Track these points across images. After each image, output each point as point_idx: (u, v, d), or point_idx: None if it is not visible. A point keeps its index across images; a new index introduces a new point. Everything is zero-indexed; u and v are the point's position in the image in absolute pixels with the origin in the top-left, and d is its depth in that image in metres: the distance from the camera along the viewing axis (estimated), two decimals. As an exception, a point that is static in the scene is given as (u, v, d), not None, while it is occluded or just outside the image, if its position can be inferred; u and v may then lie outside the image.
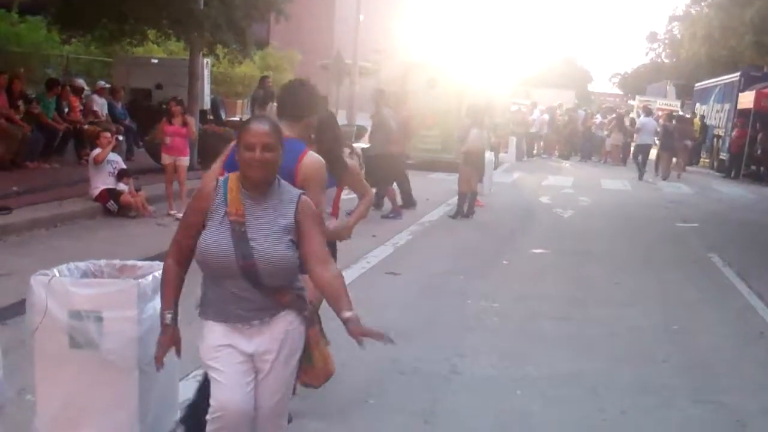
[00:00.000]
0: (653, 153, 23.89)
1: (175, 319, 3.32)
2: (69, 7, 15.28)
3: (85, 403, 3.85)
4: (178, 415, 4.29)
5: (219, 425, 3.22)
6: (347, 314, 3.17)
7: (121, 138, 11.50)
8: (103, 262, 4.22)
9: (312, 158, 3.94)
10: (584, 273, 9.54)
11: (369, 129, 13.01)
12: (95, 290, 3.82)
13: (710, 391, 5.71)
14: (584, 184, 19.88)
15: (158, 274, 3.91)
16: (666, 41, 61.53)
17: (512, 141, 25.73)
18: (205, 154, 14.38)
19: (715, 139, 28.01)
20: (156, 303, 3.82)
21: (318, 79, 26.48)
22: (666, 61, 61.38)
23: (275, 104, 16.47)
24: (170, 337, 3.32)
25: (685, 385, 5.80)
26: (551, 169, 24.05)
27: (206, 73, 19.26)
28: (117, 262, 4.26)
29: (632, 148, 25.79)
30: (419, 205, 13.59)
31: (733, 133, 24.75)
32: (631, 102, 43.50)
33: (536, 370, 5.86)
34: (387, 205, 12.65)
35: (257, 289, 3.20)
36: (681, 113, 31.04)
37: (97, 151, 11.19)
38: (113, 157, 11.41)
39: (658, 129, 23.82)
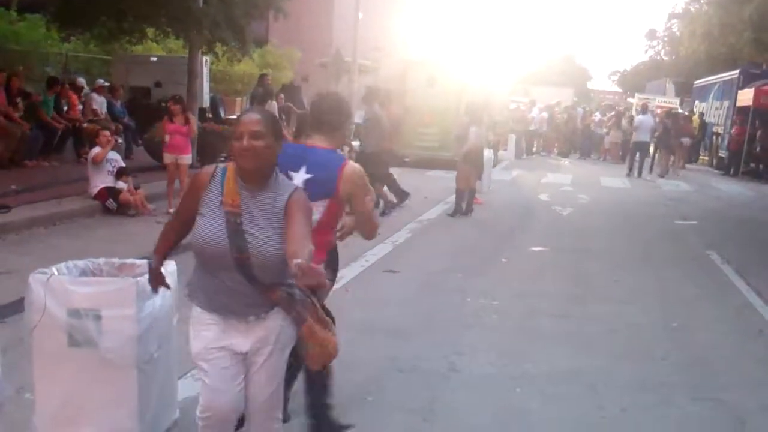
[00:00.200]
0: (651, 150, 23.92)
1: (157, 262, 3.55)
2: (68, 5, 15.27)
3: (83, 401, 3.86)
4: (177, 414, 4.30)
5: (206, 423, 3.34)
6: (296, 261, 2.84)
7: (120, 140, 11.48)
8: (101, 260, 4.23)
9: (352, 168, 4.00)
10: (583, 270, 9.54)
11: (362, 127, 12.95)
12: (94, 289, 3.83)
13: (709, 389, 5.72)
14: (583, 182, 19.88)
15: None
16: (665, 39, 61.48)
17: (511, 139, 25.74)
18: (204, 153, 14.39)
19: (714, 137, 28.04)
20: (155, 302, 3.82)
21: (317, 77, 26.53)
22: (665, 58, 61.32)
23: (274, 102, 16.47)
24: (155, 277, 3.63)
25: (684, 383, 5.81)
26: (550, 167, 24.05)
27: (205, 71, 19.27)
28: (116, 260, 4.26)
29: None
30: (418, 203, 13.59)
31: (732, 131, 24.77)
32: (630, 100, 43.51)
33: (535, 368, 5.86)
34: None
35: (251, 284, 3.19)
36: (680, 111, 31.05)
37: (96, 150, 11.18)
38: (112, 155, 11.40)
39: (655, 126, 23.84)
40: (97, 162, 11.02)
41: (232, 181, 3.23)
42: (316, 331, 3.29)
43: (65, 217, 10.30)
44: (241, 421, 3.49)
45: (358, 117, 14.39)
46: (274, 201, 3.22)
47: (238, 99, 25.53)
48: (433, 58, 23.78)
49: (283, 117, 16.47)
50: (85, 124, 14.96)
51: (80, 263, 4.13)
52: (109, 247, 8.32)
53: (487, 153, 15.83)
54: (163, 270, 3.65)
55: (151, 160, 14.54)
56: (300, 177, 3.92)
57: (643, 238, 12.28)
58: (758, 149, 23.82)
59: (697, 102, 32.16)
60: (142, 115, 17.11)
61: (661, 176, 22.60)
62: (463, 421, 4.84)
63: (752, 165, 24.47)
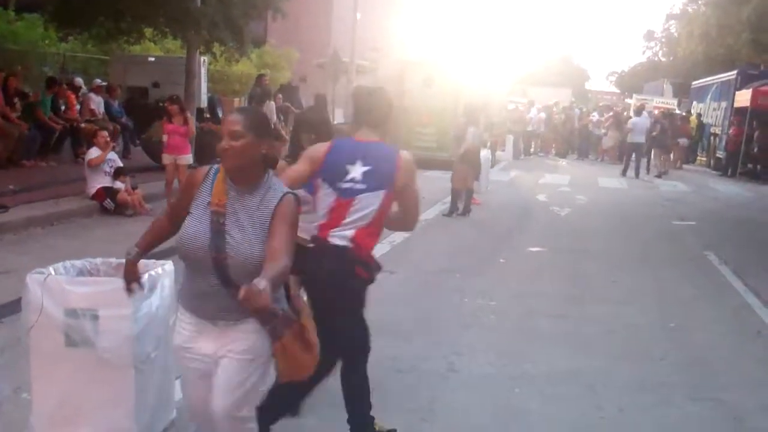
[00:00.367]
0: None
1: (136, 255, 3.47)
2: (66, 4, 15.25)
3: (80, 401, 3.85)
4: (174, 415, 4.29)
5: (190, 417, 3.50)
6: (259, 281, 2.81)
7: (118, 148, 11.47)
8: (99, 260, 4.22)
9: (407, 157, 4.15)
10: (581, 271, 9.54)
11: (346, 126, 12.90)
12: (91, 288, 3.82)
13: (708, 389, 5.72)
14: (581, 183, 19.88)
15: (154, 272, 3.92)
16: (663, 40, 61.51)
17: (509, 139, 25.75)
18: (201, 153, 14.34)
19: (711, 137, 28.04)
20: (152, 301, 3.82)
21: (314, 77, 26.50)
22: (663, 59, 61.34)
23: (272, 102, 16.42)
24: (128, 270, 3.46)
25: (682, 383, 5.81)
26: (548, 168, 24.05)
27: (203, 71, 19.24)
28: (113, 260, 4.25)
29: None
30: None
31: (730, 131, 24.77)
32: (628, 100, 43.51)
33: (534, 368, 5.86)
34: None
35: (226, 287, 3.13)
36: (678, 111, 31.08)
37: (92, 154, 11.13)
38: (110, 155, 11.39)
39: (649, 127, 23.91)
40: (93, 167, 11.00)
41: (221, 182, 3.22)
42: (288, 349, 3.20)
43: (63, 217, 10.28)
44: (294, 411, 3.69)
45: (341, 116, 14.33)
46: (261, 204, 3.18)
47: (236, 99, 25.50)
48: (430, 59, 23.78)
49: (281, 117, 16.44)
50: (82, 124, 14.96)
51: (77, 263, 4.12)
52: (107, 247, 8.27)
53: (485, 153, 15.83)
54: (149, 270, 3.65)
55: (148, 160, 14.52)
56: (357, 170, 4.02)
57: (641, 238, 12.28)
58: (756, 150, 23.83)
59: (694, 103, 32.17)
60: (140, 115, 17.07)
61: (658, 177, 22.65)
62: (462, 421, 4.83)
63: (750, 166, 24.47)
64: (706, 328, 7.38)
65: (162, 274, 4.06)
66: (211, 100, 20.66)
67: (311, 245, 4.02)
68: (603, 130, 29.05)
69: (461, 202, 12.83)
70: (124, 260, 4.23)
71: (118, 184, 11.13)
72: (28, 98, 14.45)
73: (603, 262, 10.11)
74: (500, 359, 6.01)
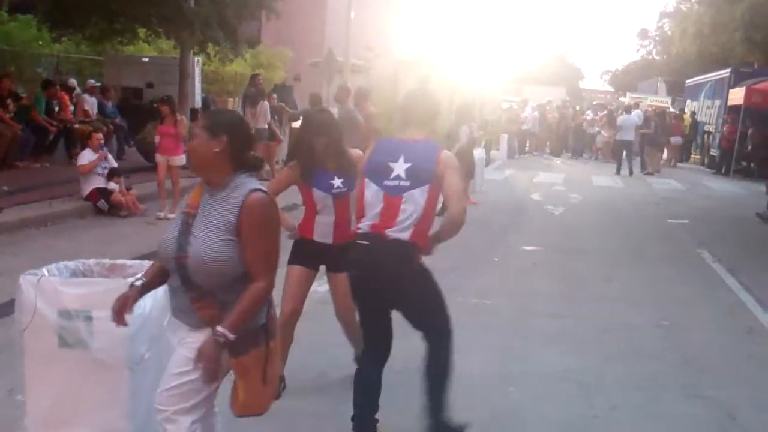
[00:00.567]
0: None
1: (140, 287, 3.31)
2: (59, 5, 15.25)
3: (75, 402, 3.85)
4: None
5: None
6: (218, 329, 2.98)
7: (105, 154, 11.39)
8: (92, 261, 4.21)
9: (447, 152, 4.30)
10: (575, 270, 9.56)
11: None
12: (85, 289, 3.81)
13: (701, 386, 5.73)
14: (575, 181, 19.91)
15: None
16: (657, 38, 61.62)
17: (504, 138, 25.76)
18: (195, 153, 14.32)
19: (705, 136, 28.10)
20: (145, 302, 3.82)
21: (309, 76, 26.45)
22: (657, 58, 61.45)
23: (266, 102, 16.39)
24: (124, 297, 3.29)
25: (675, 381, 5.82)
26: (542, 166, 24.10)
27: (197, 71, 19.23)
28: (106, 261, 4.25)
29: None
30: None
31: (724, 129, 24.83)
32: (622, 99, 43.54)
33: (528, 367, 5.87)
34: None
35: (185, 288, 3.10)
36: (671, 109, 31.12)
37: (83, 159, 11.10)
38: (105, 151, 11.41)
39: (640, 124, 24.02)
40: (84, 173, 10.99)
41: (200, 185, 3.23)
42: (250, 371, 3.08)
43: (57, 218, 10.28)
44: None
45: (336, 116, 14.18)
46: (225, 202, 3.10)
47: (231, 99, 25.46)
48: (425, 58, 23.79)
49: (276, 117, 16.40)
50: (76, 125, 14.93)
51: (71, 264, 4.11)
52: (101, 248, 8.31)
53: (479, 152, 15.83)
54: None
55: (143, 160, 14.51)
56: (401, 167, 4.17)
57: (635, 236, 12.31)
58: (749, 148, 23.87)
59: (688, 101, 32.23)
60: (134, 116, 17.04)
61: (650, 174, 22.73)
62: (457, 420, 4.84)
63: (743, 164, 24.53)
64: (700, 326, 7.40)
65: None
66: (205, 101, 20.63)
67: (365, 242, 4.17)
68: (597, 129, 29.11)
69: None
70: (117, 261, 4.25)
71: (113, 185, 11.12)
72: (21, 100, 14.41)
73: (597, 261, 10.13)
74: (494, 358, 6.02)
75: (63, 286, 3.81)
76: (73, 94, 16.89)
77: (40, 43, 22.09)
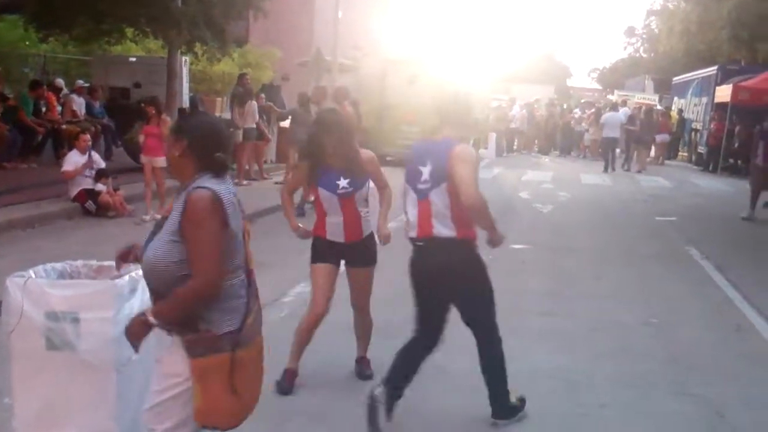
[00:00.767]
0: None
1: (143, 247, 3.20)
2: (46, 6, 15.15)
3: (63, 404, 3.83)
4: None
5: None
6: (145, 310, 3.06)
7: (97, 166, 11.34)
8: (79, 262, 4.19)
9: (460, 147, 4.39)
10: (564, 268, 9.58)
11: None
12: (72, 291, 3.79)
13: (690, 384, 5.76)
14: (563, 179, 19.96)
15: (135, 274, 3.90)
16: (644, 36, 61.76)
17: (492, 137, 25.79)
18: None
19: (693, 133, 28.20)
20: (133, 303, 3.80)
21: (297, 76, 26.40)
22: (644, 55, 61.58)
23: (254, 102, 16.34)
24: (131, 246, 3.46)
25: (664, 379, 5.85)
26: (531, 165, 24.15)
27: (185, 71, 19.14)
28: (94, 262, 4.22)
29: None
30: (399, 201, 13.54)
31: (711, 127, 24.92)
32: (609, 97, 43.65)
33: (517, 365, 5.86)
34: None
35: (150, 294, 3.12)
36: (658, 107, 31.21)
37: (68, 163, 11.05)
38: (93, 156, 11.34)
39: (624, 122, 24.17)
40: (68, 178, 10.95)
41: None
42: (209, 377, 2.98)
43: (44, 219, 10.23)
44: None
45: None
46: (177, 203, 3.03)
47: (218, 99, 25.39)
48: (413, 57, 23.79)
49: (264, 117, 16.37)
50: (64, 126, 14.86)
51: (58, 266, 4.09)
52: (89, 249, 8.23)
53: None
54: None
55: (130, 161, 14.44)
56: (426, 170, 4.38)
57: (623, 234, 12.35)
58: (737, 145, 23.95)
59: (676, 98, 32.33)
60: (122, 116, 16.92)
61: (638, 172, 22.84)
62: (451, 420, 4.87)
63: (731, 161, 24.63)
64: (688, 323, 7.43)
65: (142, 276, 4.04)
66: (192, 100, 20.55)
67: (420, 243, 4.43)
68: (585, 126, 29.19)
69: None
70: (105, 263, 4.23)
71: (100, 186, 11.07)
72: (8, 100, 14.33)
73: (586, 259, 10.16)
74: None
75: (50, 287, 3.79)
76: (61, 95, 16.82)
77: (27, 43, 21.97)
